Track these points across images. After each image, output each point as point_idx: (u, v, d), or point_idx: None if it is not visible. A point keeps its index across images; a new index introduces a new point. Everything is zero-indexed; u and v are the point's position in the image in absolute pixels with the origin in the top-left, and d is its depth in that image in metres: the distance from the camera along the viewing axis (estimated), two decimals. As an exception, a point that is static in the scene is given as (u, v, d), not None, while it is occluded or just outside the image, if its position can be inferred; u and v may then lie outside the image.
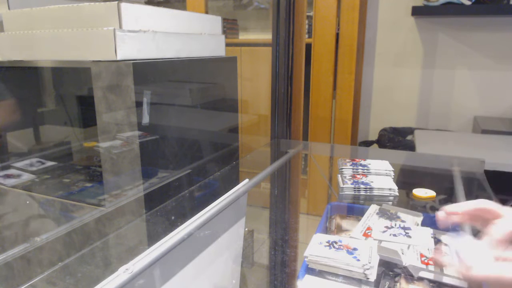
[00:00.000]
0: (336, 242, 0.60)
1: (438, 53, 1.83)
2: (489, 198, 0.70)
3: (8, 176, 0.91)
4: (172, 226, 0.71)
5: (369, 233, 0.65)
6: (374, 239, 0.63)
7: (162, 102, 0.81)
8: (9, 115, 0.99)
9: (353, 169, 0.94)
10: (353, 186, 0.85)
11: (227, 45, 1.07)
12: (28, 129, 1.05)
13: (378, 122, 1.99)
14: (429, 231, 0.65)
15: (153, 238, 0.71)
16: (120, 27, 0.72)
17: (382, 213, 0.72)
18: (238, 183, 0.59)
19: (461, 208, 0.50)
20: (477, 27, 1.74)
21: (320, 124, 1.87)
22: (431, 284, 0.54)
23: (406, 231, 0.65)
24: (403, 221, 0.69)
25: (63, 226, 0.74)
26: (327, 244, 0.59)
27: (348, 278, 0.55)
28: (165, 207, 0.79)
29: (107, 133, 0.75)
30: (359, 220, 0.71)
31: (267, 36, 1.40)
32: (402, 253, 0.59)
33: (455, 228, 0.70)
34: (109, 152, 0.76)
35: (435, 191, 0.85)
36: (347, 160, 0.99)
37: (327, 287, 0.54)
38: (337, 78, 1.82)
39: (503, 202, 0.51)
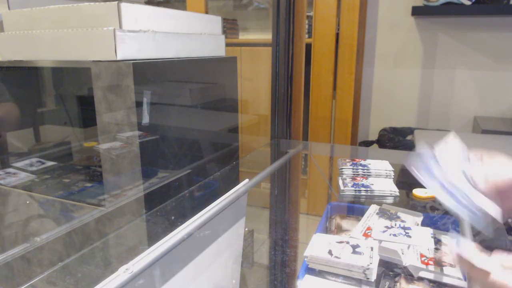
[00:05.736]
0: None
1: (438, 53, 1.83)
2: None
3: (8, 176, 0.91)
4: (172, 226, 0.71)
5: (369, 233, 0.65)
6: (374, 239, 0.63)
7: (162, 102, 0.81)
8: (9, 115, 0.99)
9: (353, 169, 0.94)
10: (353, 188, 0.85)
11: (227, 45, 1.07)
12: (28, 129, 1.05)
13: (378, 122, 1.99)
14: (429, 231, 0.65)
15: (153, 238, 0.71)
16: (120, 27, 0.72)
17: (382, 213, 0.72)
18: (238, 183, 0.59)
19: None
20: (477, 27, 1.74)
21: (320, 124, 1.87)
22: (431, 284, 0.54)
23: (406, 231, 0.65)
24: (403, 221, 0.69)
25: (63, 226, 0.74)
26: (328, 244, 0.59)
27: (348, 278, 0.55)
28: (165, 207, 0.79)
29: (107, 133, 0.75)
30: (359, 220, 0.71)
31: (267, 36, 1.40)
32: (402, 253, 0.59)
33: (455, 229, 0.71)
34: (109, 152, 0.76)
35: (435, 191, 0.85)
36: (347, 160, 0.99)
37: (327, 287, 0.54)
38: (337, 78, 1.82)
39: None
